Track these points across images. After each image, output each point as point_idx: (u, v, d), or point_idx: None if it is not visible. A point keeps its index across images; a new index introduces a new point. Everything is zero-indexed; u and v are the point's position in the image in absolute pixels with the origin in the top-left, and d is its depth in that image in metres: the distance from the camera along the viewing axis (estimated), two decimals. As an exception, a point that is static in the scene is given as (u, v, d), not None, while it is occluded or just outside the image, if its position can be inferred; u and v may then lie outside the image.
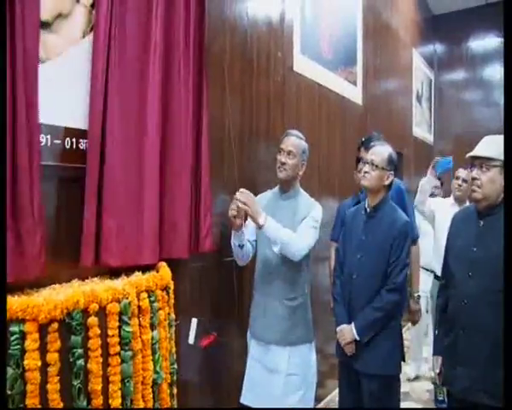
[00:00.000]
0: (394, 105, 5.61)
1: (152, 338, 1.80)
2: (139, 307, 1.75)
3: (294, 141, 2.37)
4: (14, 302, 1.38)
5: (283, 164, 2.33)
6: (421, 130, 6.98)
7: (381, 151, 2.39)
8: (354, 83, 4.31)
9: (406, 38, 6.09)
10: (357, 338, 2.29)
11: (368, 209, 2.41)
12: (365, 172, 2.36)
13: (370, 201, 2.40)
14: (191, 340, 2.23)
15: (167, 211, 2.03)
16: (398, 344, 2.38)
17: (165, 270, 1.93)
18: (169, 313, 1.94)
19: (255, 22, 2.82)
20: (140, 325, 1.75)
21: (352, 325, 2.32)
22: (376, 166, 2.34)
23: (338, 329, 2.39)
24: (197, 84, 2.18)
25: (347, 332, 2.32)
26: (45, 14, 1.61)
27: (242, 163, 2.68)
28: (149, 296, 1.80)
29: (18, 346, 1.37)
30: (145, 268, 1.91)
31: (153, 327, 1.81)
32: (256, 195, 2.37)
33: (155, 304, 1.83)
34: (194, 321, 2.25)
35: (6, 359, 1.24)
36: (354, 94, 4.31)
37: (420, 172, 5.71)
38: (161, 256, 2.00)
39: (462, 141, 6.64)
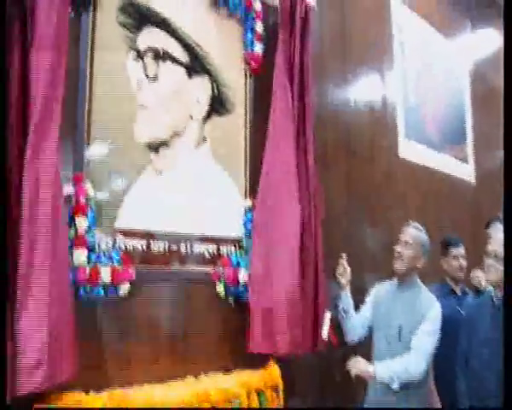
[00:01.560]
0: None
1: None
2: (249, 407, 1.77)
3: (412, 232, 2.32)
4: (134, 398, 1.49)
5: (400, 254, 2.27)
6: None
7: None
8: (465, 160, 4.14)
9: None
10: None
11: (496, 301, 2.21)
12: (490, 266, 2.14)
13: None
14: (324, 335, 2.17)
15: (281, 306, 2.02)
16: None
17: (274, 369, 1.94)
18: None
19: (358, 110, 2.87)
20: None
21: None
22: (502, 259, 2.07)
23: None
24: (306, 173, 2.22)
25: None
26: (164, 135, 1.84)
27: (349, 252, 2.64)
28: (259, 396, 1.81)
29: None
30: (255, 365, 1.94)
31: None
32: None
33: (265, 404, 1.83)
34: (328, 315, 2.19)
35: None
36: (465, 172, 4.13)
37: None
38: (271, 351, 1.99)
39: None
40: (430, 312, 2.19)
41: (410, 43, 3.50)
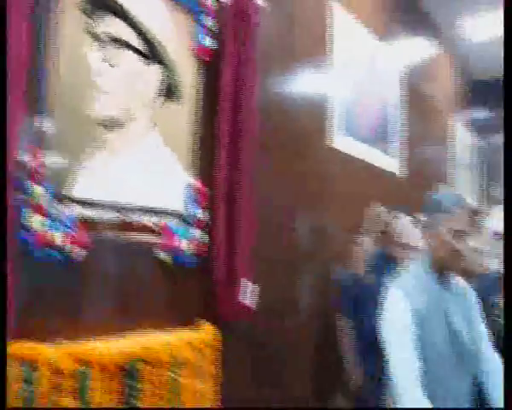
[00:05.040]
0: (436, 174, 5.75)
1: (197, 392, 2.06)
2: (184, 361, 2.01)
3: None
4: (82, 348, 1.69)
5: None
6: (469, 198, 7.00)
7: None
8: (393, 156, 4.57)
9: (447, 106, 6.30)
10: None
11: None
12: None
13: None
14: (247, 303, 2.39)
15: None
16: None
17: (209, 327, 2.20)
18: (213, 369, 2.17)
19: (293, 101, 3.09)
20: (185, 378, 2.00)
21: None
22: None
23: None
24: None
25: None
26: (120, 117, 1.98)
27: (283, 241, 2.93)
28: (194, 352, 2.07)
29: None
30: (194, 326, 2.20)
31: (197, 382, 2.06)
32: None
33: (200, 359, 2.09)
34: (252, 286, 2.41)
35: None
36: (394, 166, 4.56)
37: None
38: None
39: None
40: None
41: (348, 43, 3.82)
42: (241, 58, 2.38)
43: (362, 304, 2.86)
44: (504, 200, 1.79)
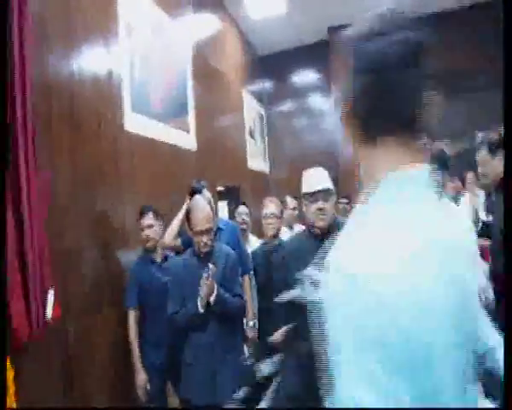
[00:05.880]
0: (228, 144, 6.00)
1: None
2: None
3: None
4: None
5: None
6: (257, 162, 7.55)
7: None
8: (187, 131, 4.56)
9: (235, 79, 6.59)
10: None
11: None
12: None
13: None
14: (49, 315, 2.17)
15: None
16: None
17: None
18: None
19: (82, 82, 2.85)
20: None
21: None
22: None
23: None
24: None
25: None
26: None
27: (77, 223, 2.71)
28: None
29: None
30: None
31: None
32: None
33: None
34: (51, 293, 2.19)
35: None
36: (188, 141, 4.55)
37: (258, 201, 6.08)
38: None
39: (295, 167, 7.22)
40: None
41: (136, 20, 3.62)
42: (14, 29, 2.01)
43: (150, 293, 2.82)
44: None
